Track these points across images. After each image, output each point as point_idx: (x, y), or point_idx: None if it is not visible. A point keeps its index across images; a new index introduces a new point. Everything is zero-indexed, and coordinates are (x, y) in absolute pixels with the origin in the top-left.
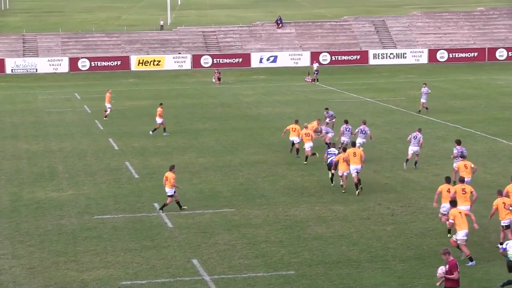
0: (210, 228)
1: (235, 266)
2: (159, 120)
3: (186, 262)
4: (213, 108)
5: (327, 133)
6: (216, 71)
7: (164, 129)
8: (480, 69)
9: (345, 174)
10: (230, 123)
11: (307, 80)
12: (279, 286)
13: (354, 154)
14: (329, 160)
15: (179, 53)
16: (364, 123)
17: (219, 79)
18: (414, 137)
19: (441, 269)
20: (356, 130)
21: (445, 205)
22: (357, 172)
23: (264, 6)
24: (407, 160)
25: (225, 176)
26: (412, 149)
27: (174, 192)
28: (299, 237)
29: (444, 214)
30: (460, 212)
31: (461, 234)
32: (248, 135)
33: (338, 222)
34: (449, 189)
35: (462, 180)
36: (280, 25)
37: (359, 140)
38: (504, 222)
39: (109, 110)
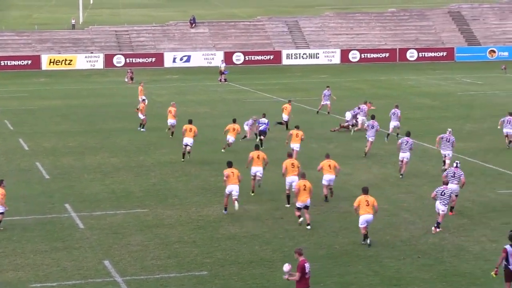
0: (122, 229)
1: (148, 267)
2: (171, 121)
3: (97, 264)
4: (126, 108)
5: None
6: (128, 70)
7: (143, 125)
8: (391, 70)
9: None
10: None
11: (220, 80)
12: (192, 287)
13: (329, 166)
14: (260, 128)
15: (91, 53)
16: (366, 102)
17: (132, 78)
18: (393, 113)
19: (286, 267)
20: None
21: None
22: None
23: (177, 6)
24: (388, 134)
25: (138, 176)
26: (393, 124)
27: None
28: (212, 237)
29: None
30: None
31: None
32: (161, 135)
33: (251, 222)
34: (292, 163)
35: (290, 155)
36: (194, 24)
37: (362, 120)
38: (299, 204)
39: (146, 101)
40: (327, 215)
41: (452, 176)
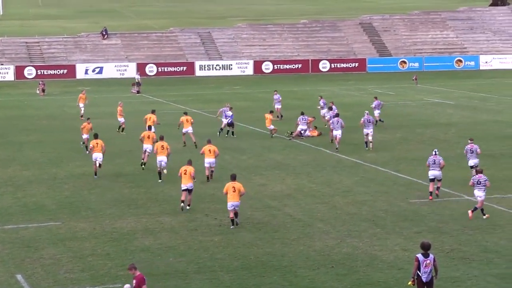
0: (34, 242)
1: (61, 281)
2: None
3: (9, 278)
4: (38, 120)
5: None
6: (40, 82)
7: (122, 128)
8: (304, 81)
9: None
10: (55, 135)
11: (133, 91)
12: None
13: (210, 151)
14: (228, 121)
15: (2, 64)
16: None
17: (43, 90)
18: (368, 120)
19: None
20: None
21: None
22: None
23: (89, 17)
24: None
25: (50, 189)
26: (367, 131)
27: None
28: (126, 250)
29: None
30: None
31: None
32: (74, 147)
33: (166, 234)
34: (162, 145)
35: (161, 138)
36: (106, 36)
37: (378, 113)
38: (182, 186)
39: (82, 109)
40: (241, 226)
41: (433, 163)
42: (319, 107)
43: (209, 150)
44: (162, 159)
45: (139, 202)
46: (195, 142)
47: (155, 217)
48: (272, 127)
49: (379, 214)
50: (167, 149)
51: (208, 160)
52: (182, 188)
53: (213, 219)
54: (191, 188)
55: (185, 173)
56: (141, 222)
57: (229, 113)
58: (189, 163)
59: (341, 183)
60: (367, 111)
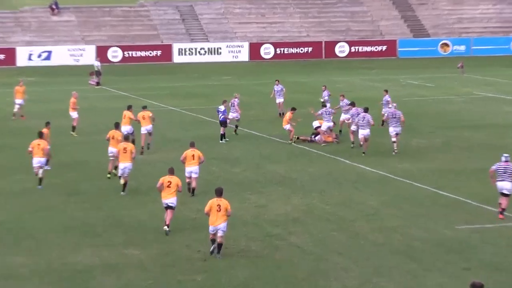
0: None
1: None
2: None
3: None
4: None
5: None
6: None
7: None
8: (316, 68)
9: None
10: None
11: (92, 83)
12: None
13: (193, 156)
14: (220, 118)
15: None
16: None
17: None
18: (393, 115)
19: None
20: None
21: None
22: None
23: None
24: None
25: None
26: (395, 130)
27: None
28: None
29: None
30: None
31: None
32: (13, 156)
33: (133, 271)
34: (125, 148)
35: (171, 172)
36: (56, 10)
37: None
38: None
39: (17, 106)
40: (234, 260)
41: (503, 173)
42: (322, 99)
43: (193, 156)
44: (125, 165)
45: (97, 229)
46: (148, 144)
47: (119, 248)
48: (288, 127)
49: (415, 244)
50: (131, 152)
51: (190, 169)
52: (164, 205)
53: (196, 251)
54: (173, 204)
55: (168, 186)
56: (100, 256)
57: (221, 107)
58: (171, 171)
59: (365, 203)
60: (394, 104)
